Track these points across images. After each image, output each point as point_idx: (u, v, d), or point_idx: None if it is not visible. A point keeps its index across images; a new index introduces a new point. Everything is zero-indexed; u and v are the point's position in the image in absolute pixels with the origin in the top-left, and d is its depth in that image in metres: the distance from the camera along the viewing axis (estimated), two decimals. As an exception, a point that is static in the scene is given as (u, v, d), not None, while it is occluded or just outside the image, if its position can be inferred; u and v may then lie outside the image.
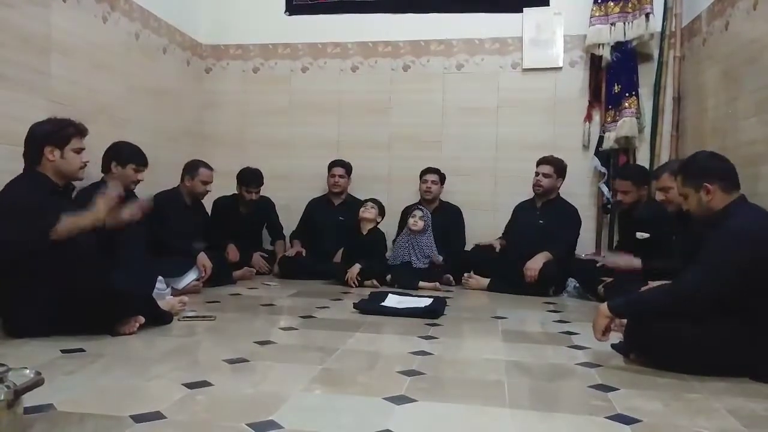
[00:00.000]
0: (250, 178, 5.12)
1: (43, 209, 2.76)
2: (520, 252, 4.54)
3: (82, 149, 3.01)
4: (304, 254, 5.12)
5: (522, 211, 4.93)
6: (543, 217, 4.71)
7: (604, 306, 2.57)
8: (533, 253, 4.44)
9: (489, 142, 5.43)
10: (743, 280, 2.35)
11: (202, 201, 4.81)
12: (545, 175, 4.70)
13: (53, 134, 2.92)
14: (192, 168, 4.59)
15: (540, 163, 4.77)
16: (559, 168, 4.73)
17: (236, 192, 5.24)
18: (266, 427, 1.78)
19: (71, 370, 2.29)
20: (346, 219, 5.18)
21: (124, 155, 3.72)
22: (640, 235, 4.04)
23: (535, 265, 4.37)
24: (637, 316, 2.56)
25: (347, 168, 5.32)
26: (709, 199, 2.51)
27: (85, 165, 3.06)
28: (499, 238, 4.99)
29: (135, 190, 3.97)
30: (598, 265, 4.30)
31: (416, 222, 4.75)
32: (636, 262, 3.82)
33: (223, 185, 5.30)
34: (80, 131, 3.01)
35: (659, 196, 3.68)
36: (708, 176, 2.51)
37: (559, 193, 4.80)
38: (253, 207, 5.25)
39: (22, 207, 2.74)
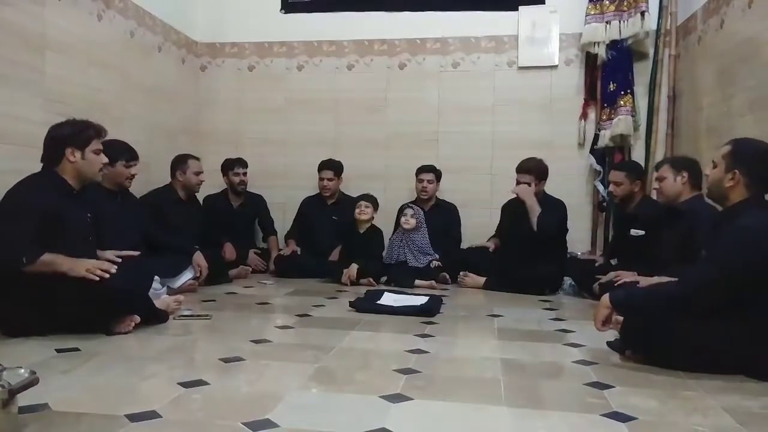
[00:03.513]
0: (233, 160, 5.28)
1: (51, 225, 2.77)
2: (513, 253, 4.53)
3: (101, 150, 3.03)
4: (299, 253, 5.12)
5: (509, 213, 4.81)
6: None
7: (605, 297, 2.58)
8: (527, 256, 4.42)
9: (485, 140, 5.43)
10: (747, 281, 2.35)
11: (196, 195, 4.82)
12: (527, 184, 4.53)
13: (73, 136, 2.93)
14: (181, 162, 4.60)
15: (519, 171, 4.58)
16: (539, 173, 4.55)
17: (225, 187, 5.32)
18: (262, 426, 1.77)
19: (66, 370, 2.28)
20: (339, 218, 5.17)
21: (112, 153, 3.73)
22: (635, 232, 4.05)
23: (524, 190, 4.45)
24: (638, 311, 2.54)
25: (336, 170, 5.27)
26: (729, 186, 2.51)
27: (104, 165, 3.07)
28: (493, 236, 4.98)
29: (133, 186, 3.98)
30: (597, 265, 4.33)
31: (408, 220, 4.75)
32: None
33: (219, 183, 5.31)
34: (98, 132, 3.02)
35: (654, 184, 3.71)
36: (745, 167, 2.49)
37: (544, 192, 4.65)
38: (245, 201, 5.29)
39: (25, 209, 2.75)
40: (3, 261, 2.69)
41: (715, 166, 2.59)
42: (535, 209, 4.42)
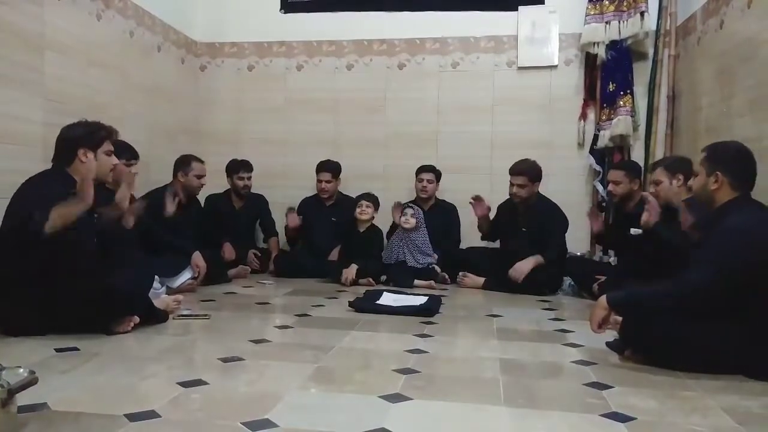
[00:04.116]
0: (239, 164, 5.22)
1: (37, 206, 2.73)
2: (512, 254, 4.54)
3: (112, 151, 3.04)
4: (300, 223, 5.14)
5: (505, 214, 4.81)
6: (526, 224, 4.61)
7: (603, 298, 2.57)
8: (522, 257, 4.41)
9: (484, 140, 5.43)
10: (742, 279, 2.35)
11: (197, 196, 4.81)
12: (520, 186, 4.52)
13: (86, 137, 2.94)
14: (184, 163, 4.59)
15: (512, 173, 4.57)
16: (533, 176, 4.54)
17: (228, 188, 5.29)
18: (261, 426, 1.77)
19: (66, 369, 2.28)
20: (338, 219, 5.16)
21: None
22: (634, 231, 4.05)
23: (522, 268, 4.34)
24: (636, 311, 2.55)
25: (334, 171, 5.23)
26: (714, 189, 2.54)
27: (115, 167, 3.07)
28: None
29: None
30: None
31: (408, 220, 4.74)
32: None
33: (218, 183, 5.30)
34: (110, 134, 3.04)
35: (650, 187, 3.71)
36: (725, 167, 2.52)
37: (539, 194, 4.65)
38: (247, 202, 5.26)
39: (43, 191, 2.75)
40: (26, 229, 2.61)
41: (697, 175, 2.64)
42: (539, 261, 4.39)
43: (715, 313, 2.40)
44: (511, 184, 4.57)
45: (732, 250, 2.38)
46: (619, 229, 4.43)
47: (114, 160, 3.06)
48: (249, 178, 5.22)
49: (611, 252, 4.80)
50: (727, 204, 2.52)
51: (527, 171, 4.53)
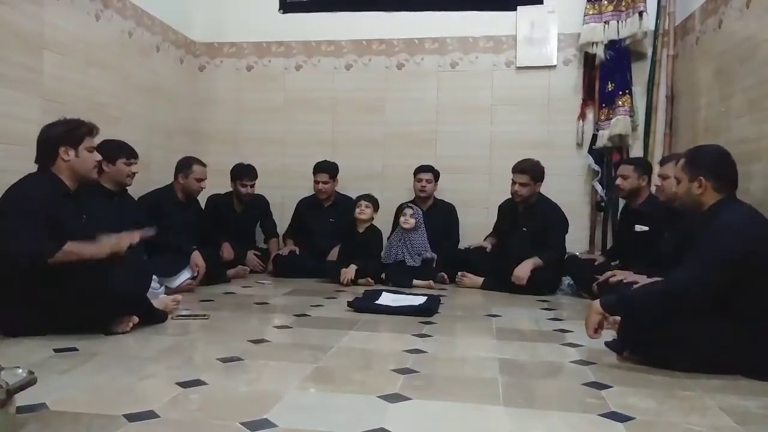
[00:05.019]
0: (243, 171, 5.14)
1: (51, 224, 2.75)
2: (510, 254, 4.54)
3: (94, 148, 3.03)
4: (297, 252, 5.11)
5: (505, 214, 4.85)
6: (526, 224, 4.62)
7: (596, 303, 2.57)
8: (522, 256, 4.43)
9: (483, 140, 5.43)
10: (734, 277, 2.36)
11: (197, 197, 4.79)
12: (522, 185, 4.53)
13: (66, 134, 2.93)
14: (185, 165, 4.58)
15: (515, 172, 4.58)
16: (535, 175, 4.54)
17: (230, 189, 5.24)
18: (260, 426, 1.77)
19: (64, 369, 2.28)
20: (336, 220, 5.16)
21: (112, 152, 3.73)
22: (639, 227, 4.07)
23: (522, 273, 4.35)
24: (629, 314, 2.56)
25: (331, 172, 5.21)
26: (699, 193, 2.57)
27: (106, 165, 3.07)
28: (489, 236, 4.99)
29: (132, 186, 3.99)
30: (596, 264, 4.35)
31: (407, 220, 4.75)
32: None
33: (217, 183, 5.28)
34: (91, 130, 3.02)
35: (657, 180, 3.72)
36: (707, 171, 2.55)
37: (539, 194, 4.65)
38: (248, 203, 5.25)
39: (31, 207, 2.74)
40: (26, 255, 2.65)
41: (679, 182, 2.66)
42: (537, 263, 4.40)
43: (714, 313, 2.40)
44: (513, 183, 4.58)
45: (725, 246, 2.39)
46: (624, 226, 4.43)
47: (97, 156, 3.03)
48: (252, 186, 5.16)
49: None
50: (716, 205, 2.54)
51: (530, 170, 4.54)
